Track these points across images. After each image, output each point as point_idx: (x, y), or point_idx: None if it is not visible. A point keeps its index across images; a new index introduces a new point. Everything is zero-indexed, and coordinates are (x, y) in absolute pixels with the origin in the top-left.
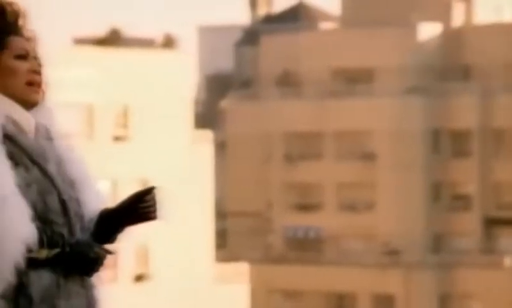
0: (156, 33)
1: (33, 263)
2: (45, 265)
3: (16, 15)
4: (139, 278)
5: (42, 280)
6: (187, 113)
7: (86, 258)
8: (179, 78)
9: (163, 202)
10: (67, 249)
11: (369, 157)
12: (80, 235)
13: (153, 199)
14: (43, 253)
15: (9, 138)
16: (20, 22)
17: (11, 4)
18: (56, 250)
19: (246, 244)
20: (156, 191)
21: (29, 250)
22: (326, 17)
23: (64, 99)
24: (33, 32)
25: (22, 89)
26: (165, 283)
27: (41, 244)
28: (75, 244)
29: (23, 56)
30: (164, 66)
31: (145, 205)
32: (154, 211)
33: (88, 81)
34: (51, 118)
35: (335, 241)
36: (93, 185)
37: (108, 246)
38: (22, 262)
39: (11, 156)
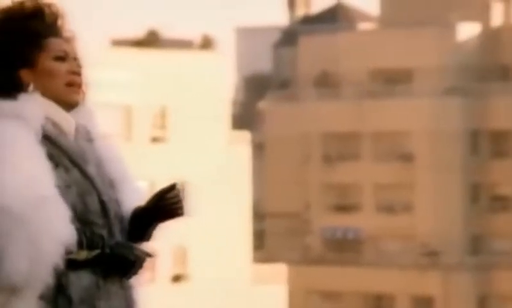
0: (194, 34)
1: (72, 264)
2: (85, 267)
3: (55, 16)
4: (177, 278)
5: (81, 280)
6: (224, 114)
7: (126, 261)
8: (217, 79)
9: (187, 198)
10: (107, 250)
11: (407, 158)
12: (120, 236)
13: (178, 196)
14: (83, 255)
15: (49, 140)
16: (59, 23)
17: (49, 5)
18: (96, 252)
19: (284, 245)
20: (179, 188)
21: (69, 252)
22: (365, 17)
23: (102, 100)
24: (72, 32)
25: (61, 90)
26: (203, 284)
27: (80, 245)
28: (115, 245)
29: (62, 58)
30: (202, 67)
31: (170, 202)
32: (181, 207)
33: (126, 83)
34: (91, 119)
35: (374, 242)
36: (132, 184)
37: (146, 248)
38: (60, 263)
39: (51, 158)
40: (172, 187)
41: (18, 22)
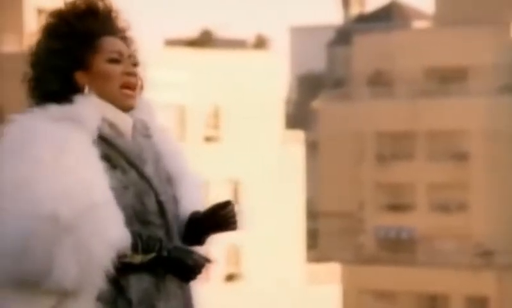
0: (248, 33)
1: (128, 267)
2: (143, 269)
3: (108, 11)
4: (230, 277)
5: (141, 282)
6: (278, 113)
7: (184, 265)
8: (271, 79)
9: (241, 203)
10: (164, 253)
11: (462, 157)
12: (177, 237)
13: (232, 211)
14: (138, 258)
15: (105, 141)
16: (113, 17)
17: (102, 1)
18: (152, 255)
19: (337, 244)
20: (234, 203)
21: (123, 255)
22: (420, 15)
23: (156, 100)
24: (127, 24)
25: (116, 93)
26: (256, 283)
27: (135, 248)
28: (173, 249)
29: (116, 60)
30: (256, 67)
31: (225, 217)
32: (235, 222)
33: (180, 83)
34: (150, 112)
35: (428, 242)
36: (191, 179)
37: (203, 251)
38: (112, 267)
39: (108, 159)
40: (227, 203)
41: (71, 23)
